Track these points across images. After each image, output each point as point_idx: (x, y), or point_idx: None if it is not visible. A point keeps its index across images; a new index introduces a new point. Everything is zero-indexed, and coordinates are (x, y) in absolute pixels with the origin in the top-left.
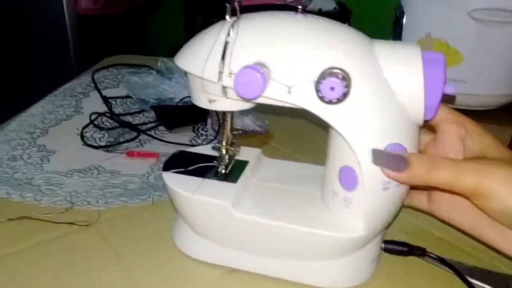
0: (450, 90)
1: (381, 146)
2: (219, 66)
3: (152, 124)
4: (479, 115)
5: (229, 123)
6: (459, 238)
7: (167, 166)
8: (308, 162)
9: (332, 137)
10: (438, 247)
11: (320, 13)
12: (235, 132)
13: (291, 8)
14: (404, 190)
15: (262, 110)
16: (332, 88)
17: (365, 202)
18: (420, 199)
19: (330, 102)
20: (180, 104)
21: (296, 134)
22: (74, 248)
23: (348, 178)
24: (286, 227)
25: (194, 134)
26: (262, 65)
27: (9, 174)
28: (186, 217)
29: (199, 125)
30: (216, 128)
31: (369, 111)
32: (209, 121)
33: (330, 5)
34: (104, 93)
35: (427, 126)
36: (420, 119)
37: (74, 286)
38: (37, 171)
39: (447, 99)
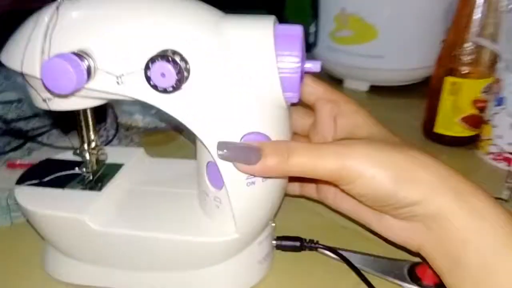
0: (313, 68)
1: (236, 137)
2: (40, 57)
3: (44, 129)
4: (398, 91)
5: (84, 122)
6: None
7: (24, 178)
8: None
9: None
10: (334, 235)
11: None
12: (136, 130)
13: None
14: (277, 182)
15: None
16: (163, 75)
17: (230, 200)
18: (310, 188)
19: (165, 91)
20: None
21: None
22: None
23: (214, 176)
24: (151, 236)
25: None
26: (84, 53)
27: None
28: (44, 236)
29: (99, 126)
30: (115, 127)
31: (216, 98)
32: (109, 120)
33: None
34: (1, 97)
35: (309, 107)
36: (281, 102)
37: None
38: None
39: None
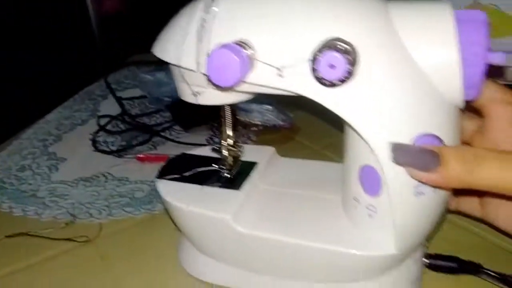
0: (499, 59)
1: (406, 139)
2: (196, 50)
3: (167, 125)
4: None
5: (228, 119)
6: None
7: (164, 172)
8: (340, 158)
9: (347, 130)
10: (499, 260)
11: None
12: (254, 129)
13: None
14: (447, 193)
15: (286, 101)
16: (332, 66)
17: (392, 210)
18: (471, 203)
19: (331, 85)
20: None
21: (326, 127)
22: (71, 268)
23: (370, 181)
24: (299, 244)
25: (212, 133)
26: (244, 44)
27: (14, 186)
28: (185, 232)
29: (217, 123)
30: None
31: (387, 93)
32: None
33: None
34: (123, 94)
35: (472, 110)
36: (458, 100)
37: None
38: (43, 182)
39: (495, 73)
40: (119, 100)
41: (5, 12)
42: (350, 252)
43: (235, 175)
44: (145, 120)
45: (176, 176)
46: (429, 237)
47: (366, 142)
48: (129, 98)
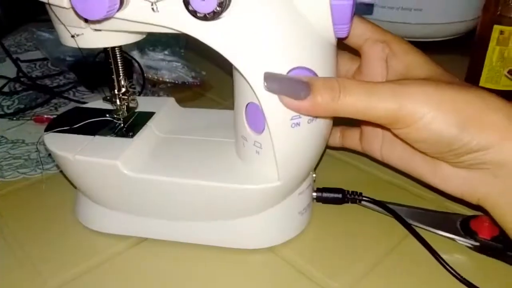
0: None
1: (282, 72)
2: None
3: (70, 86)
4: (437, 46)
5: (115, 66)
6: (407, 180)
7: (53, 126)
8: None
9: (234, 69)
10: (379, 189)
11: None
12: (163, 86)
13: None
14: (322, 124)
15: (197, 59)
16: None
17: (273, 144)
18: (352, 138)
19: (204, 18)
20: (99, 60)
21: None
22: None
23: (255, 118)
24: (187, 183)
25: None
26: None
27: None
28: (75, 183)
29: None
30: (142, 82)
31: (261, 27)
32: (134, 75)
33: None
34: (24, 57)
35: (354, 52)
36: (331, 37)
37: None
38: None
39: (365, 10)
40: (15, 61)
41: None
42: (238, 186)
43: (130, 125)
44: (47, 82)
45: (65, 128)
46: (313, 171)
47: (243, 76)
48: (29, 60)
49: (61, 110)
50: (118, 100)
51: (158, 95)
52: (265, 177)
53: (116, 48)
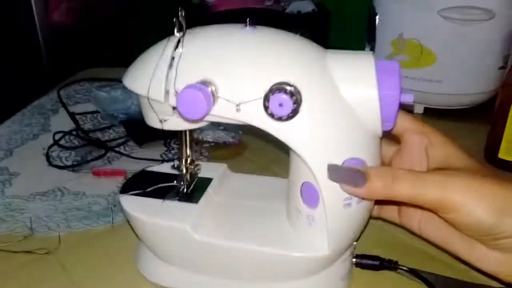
0: (408, 99)
1: (338, 161)
2: (164, 84)
3: (121, 140)
4: (455, 115)
5: (186, 141)
6: (438, 250)
7: (126, 188)
8: (284, 172)
9: (292, 153)
10: (413, 257)
11: (299, 15)
12: (206, 145)
13: (269, 12)
14: (369, 205)
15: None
16: (280, 105)
17: (327, 220)
18: (390, 212)
19: (280, 119)
20: None
21: (271, 143)
22: (32, 279)
23: (310, 195)
24: (249, 248)
25: (166, 149)
26: (208, 83)
27: None
28: (146, 242)
29: (170, 139)
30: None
31: (323, 125)
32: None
33: (309, 7)
34: (74, 109)
35: (392, 137)
36: (378, 131)
37: None
38: None
39: (407, 108)
40: (72, 115)
41: None
42: (291, 254)
43: (192, 190)
44: (98, 135)
45: (137, 191)
46: (358, 239)
47: (306, 164)
48: (82, 113)
49: (114, 163)
50: (184, 169)
51: (202, 153)
52: (316, 246)
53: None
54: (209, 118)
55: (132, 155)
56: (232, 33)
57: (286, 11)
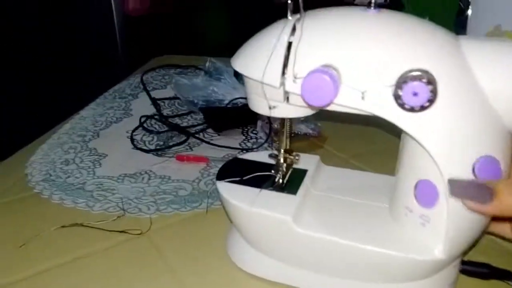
0: None
1: (471, 159)
2: (281, 69)
3: (201, 127)
4: None
5: (287, 130)
6: None
7: (221, 175)
8: (367, 167)
9: (407, 147)
10: None
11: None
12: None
13: (337, 2)
14: None
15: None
16: (415, 94)
17: (447, 221)
18: (502, 226)
19: (411, 110)
20: (229, 106)
21: (351, 137)
22: (127, 258)
23: (427, 194)
24: (355, 246)
25: (244, 137)
26: (331, 68)
27: (62, 178)
28: (242, 230)
29: (249, 128)
30: (267, 131)
31: (458, 119)
32: (259, 123)
33: None
34: (152, 94)
35: None
36: None
37: None
38: (89, 176)
39: None
40: (154, 100)
41: (37, 10)
42: (402, 255)
43: (288, 181)
44: (177, 121)
45: (234, 179)
46: (473, 246)
47: (434, 161)
48: (161, 99)
49: (195, 149)
50: (281, 158)
51: None
52: (429, 249)
53: None
54: (331, 107)
55: (212, 142)
56: (355, 15)
57: (355, 2)
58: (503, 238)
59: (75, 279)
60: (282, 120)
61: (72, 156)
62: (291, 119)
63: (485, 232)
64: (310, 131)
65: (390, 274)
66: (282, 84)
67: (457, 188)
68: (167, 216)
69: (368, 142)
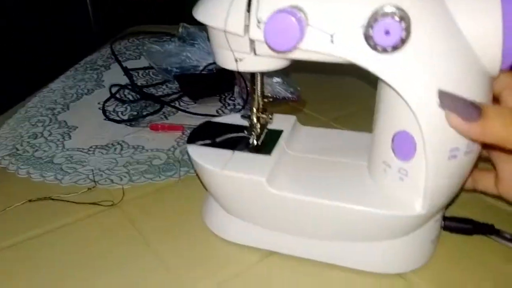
0: None
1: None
2: (244, 15)
3: (176, 95)
4: None
5: (259, 87)
6: None
7: (192, 138)
8: (348, 130)
9: (383, 98)
10: (508, 223)
11: None
12: (265, 100)
13: None
14: (475, 156)
15: (293, 75)
16: (387, 32)
17: (426, 174)
18: (487, 181)
19: (384, 51)
20: (204, 72)
21: (332, 100)
22: (99, 230)
23: (404, 146)
24: (331, 205)
25: (221, 104)
26: (297, 9)
27: (29, 152)
28: (216, 195)
29: (226, 94)
30: (245, 96)
31: (434, 60)
32: (236, 89)
33: None
34: (125, 64)
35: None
36: (495, 69)
37: (100, 271)
38: (58, 149)
39: None
40: (126, 70)
41: (37, 10)
42: (380, 212)
43: (263, 142)
44: (152, 91)
45: (206, 141)
46: (453, 200)
47: (410, 107)
48: (134, 69)
49: (170, 118)
50: (255, 118)
51: None
52: (408, 204)
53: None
54: (297, 55)
55: (188, 110)
56: None
57: None
58: (485, 193)
59: (45, 253)
60: (252, 76)
61: (40, 130)
62: (262, 75)
63: (468, 190)
64: (289, 95)
65: (369, 233)
66: (246, 31)
67: (447, 99)
68: (141, 186)
69: (349, 104)
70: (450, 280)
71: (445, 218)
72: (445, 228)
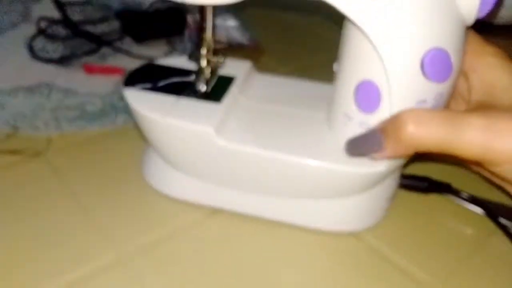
0: None
1: (421, 52)
2: None
3: (117, 35)
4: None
5: (209, 25)
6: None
7: (130, 81)
8: (309, 81)
9: (347, 45)
10: (464, 183)
11: None
12: (219, 46)
13: None
14: (444, 105)
15: (252, 20)
16: None
17: None
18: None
19: None
20: (151, 11)
21: (293, 49)
22: (19, 182)
23: (368, 97)
24: (284, 159)
25: (169, 48)
26: None
27: None
28: (157, 146)
29: (175, 37)
30: (196, 40)
31: (409, 4)
32: (186, 32)
33: None
34: None
35: None
36: (471, 16)
37: (17, 228)
38: None
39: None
40: (57, 2)
41: None
42: (338, 168)
43: (213, 89)
44: (89, 28)
45: (147, 85)
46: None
47: (379, 54)
48: (70, 3)
49: (109, 60)
50: (204, 61)
51: None
52: (367, 161)
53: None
54: None
55: (131, 52)
56: None
57: None
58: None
59: None
60: (202, 11)
61: None
62: (213, 10)
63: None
64: (246, 42)
65: (324, 190)
66: None
67: (349, 146)
68: (71, 135)
69: (314, 52)
70: (403, 239)
71: (403, 176)
72: (402, 186)
